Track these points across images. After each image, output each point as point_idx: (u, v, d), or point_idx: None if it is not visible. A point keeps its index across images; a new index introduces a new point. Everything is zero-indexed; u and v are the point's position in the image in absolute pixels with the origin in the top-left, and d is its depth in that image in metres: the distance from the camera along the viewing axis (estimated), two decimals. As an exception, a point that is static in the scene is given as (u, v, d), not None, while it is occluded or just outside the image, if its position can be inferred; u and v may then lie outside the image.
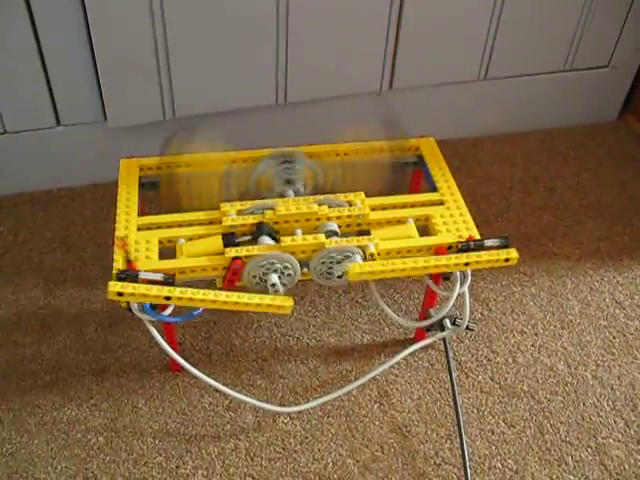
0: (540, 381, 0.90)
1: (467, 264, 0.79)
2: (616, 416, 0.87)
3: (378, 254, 0.80)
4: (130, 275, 0.75)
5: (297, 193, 0.87)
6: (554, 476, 0.81)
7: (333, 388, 0.88)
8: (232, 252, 0.78)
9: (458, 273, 0.81)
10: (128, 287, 0.74)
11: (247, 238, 0.80)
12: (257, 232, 0.80)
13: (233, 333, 0.95)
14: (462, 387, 0.89)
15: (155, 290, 0.74)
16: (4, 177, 1.11)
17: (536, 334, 0.96)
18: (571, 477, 0.81)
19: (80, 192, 1.14)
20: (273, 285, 0.77)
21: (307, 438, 0.84)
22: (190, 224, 0.83)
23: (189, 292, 0.75)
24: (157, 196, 0.92)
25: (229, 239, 0.79)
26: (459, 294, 0.82)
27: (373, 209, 0.84)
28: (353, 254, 0.79)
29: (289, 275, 0.79)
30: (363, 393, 0.88)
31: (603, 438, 0.85)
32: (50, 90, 1.03)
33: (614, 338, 0.96)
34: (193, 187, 0.89)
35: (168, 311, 0.78)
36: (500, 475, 0.81)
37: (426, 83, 1.18)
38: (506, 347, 0.94)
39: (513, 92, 1.24)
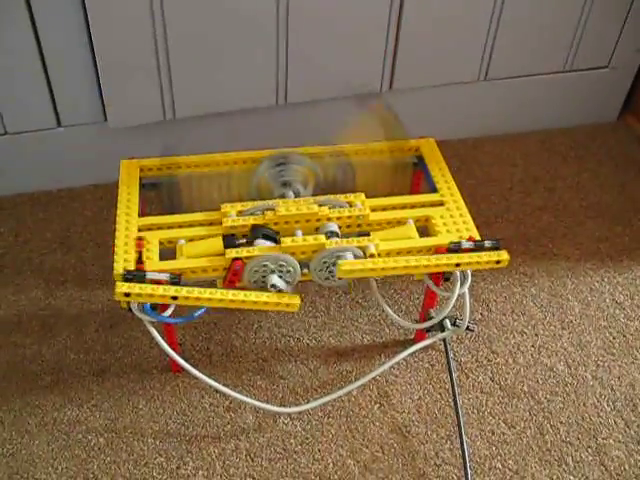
0: (540, 381, 0.90)
1: (458, 265, 0.79)
2: (616, 416, 0.87)
3: (378, 255, 0.80)
4: (137, 276, 0.75)
5: (297, 194, 0.87)
6: (554, 476, 0.81)
7: (333, 388, 0.88)
8: (232, 253, 0.78)
9: (458, 274, 0.81)
10: (135, 287, 0.74)
11: (242, 242, 0.80)
12: (252, 235, 0.80)
13: (233, 334, 0.95)
14: (462, 388, 0.90)
15: (162, 290, 0.74)
16: (5, 178, 1.11)
17: (536, 335, 0.96)
18: (571, 478, 0.81)
19: (80, 193, 1.14)
20: (273, 286, 0.77)
21: (307, 439, 0.84)
22: (190, 225, 0.83)
23: (196, 291, 0.75)
24: (157, 197, 0.93)
25: (229, 240, 0.79)
26: (459, 295, 0.82)
27: (373, 210, 0.84)
28: (353, 255, 0.79)
29: (289, 276, 0.79)
30: (363, 394, 0.88)
31: (603, 438, 0.85)
32: (50, 91, 1.03)
33: (614, 339, 0.96)
34: (194, 189, 0.89)
35: (168, 312, 0.78)
36: (500, 475, 0.81)
37: (426, 84, 1.18)
38: (506, 348, 0.94)
39: (513, 93, 1.24)
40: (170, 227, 0.83)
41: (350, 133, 0.92)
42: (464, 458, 0.81)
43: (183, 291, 0.75)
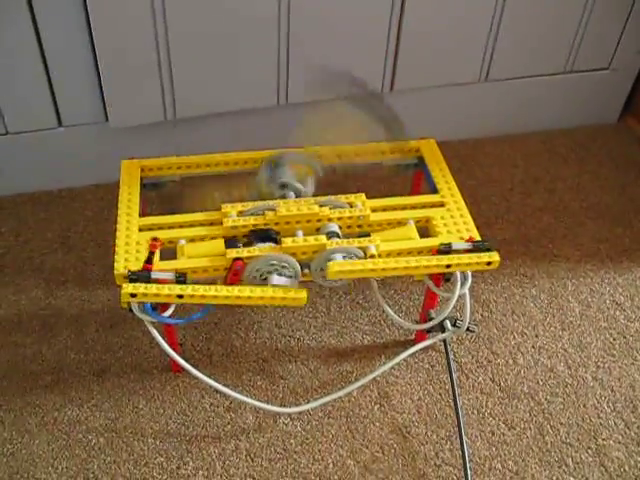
0: (540, 382, 0.90)
1: (449, 266, 0.79)
2: (616, 417, 0.87)
3: (379, 255, 0.80)
4: (142, 276, 0.75)
5: (298, 193, 0.87)
6: (554, 478, 0.81)
7: (333, 389, 0.88)
8: (233, 253, 0.78)
9: (458, 274, 0.81)
10: (140, 287, 0.74)
11: (240, 245, 0.80)
12: (249, 240, 0.80)
13: (234, 334, 0.95)
14: (462, 388, 0.90)
15: (167, 289, 0.75)
16: (5, 178, 1.11)
17: (536, 335, 0.96)
18: (571, 479, 0.81)
19: (81, 193, 1.14)
20: (274, 286, 0.77)
21: (307, 439, 0.84)
22: (191, 225, 0.83)
23: (201, 289, 0.75)
24: (158, 197, 0.93)
25: (231, 243, 0.80)
26: (459, 296, 0.82)
27: (374, 210, 0.84)
28: (355, 255, 0.79)
29: (290, 276, 0.79)
30: (363, 394, 0.89)
31: (603, 440, 0.85)
32: (52, 91, 1.03)
33: (614, 340, 0.96)
34: (195, 190, 0.89)
35: (169, 312, 0.78)
36: (500, 476, 0.81)
37: (427, 84, 1.18)
38: (506, 348, 0.94)
39: (514, 94, 1.24)
40: (171, 227, 0.83)
41: (350, 134, 0.92)
42: (464, 459, 0.81)
43: (188, 289, 0.75)
